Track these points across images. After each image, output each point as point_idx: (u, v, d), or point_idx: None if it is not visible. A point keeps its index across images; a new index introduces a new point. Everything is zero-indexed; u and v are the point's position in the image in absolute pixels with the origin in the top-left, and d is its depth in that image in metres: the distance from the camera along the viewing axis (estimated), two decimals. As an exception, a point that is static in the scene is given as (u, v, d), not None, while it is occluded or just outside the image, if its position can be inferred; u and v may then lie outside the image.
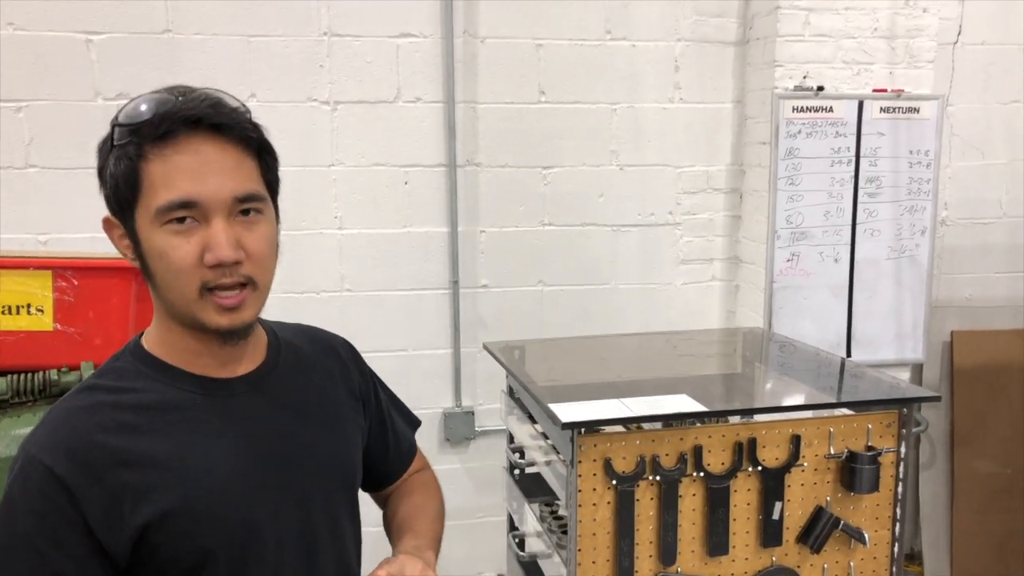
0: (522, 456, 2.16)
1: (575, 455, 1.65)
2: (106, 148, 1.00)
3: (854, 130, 2.91)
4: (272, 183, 1.08)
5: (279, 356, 1.17)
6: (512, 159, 3.01)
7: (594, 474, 1.67)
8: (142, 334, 1.12)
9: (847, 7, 2.88)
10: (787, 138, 2.88)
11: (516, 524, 2.20)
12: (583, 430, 1.65)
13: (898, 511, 1.81)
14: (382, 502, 1.38)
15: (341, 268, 2.96)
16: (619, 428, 1.74)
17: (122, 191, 0.99)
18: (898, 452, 1.78)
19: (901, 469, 1.79)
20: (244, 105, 1.05)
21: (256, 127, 1.04)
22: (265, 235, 1.04)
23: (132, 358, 1.08)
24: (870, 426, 1.77)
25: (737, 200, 3.19)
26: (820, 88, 2.88)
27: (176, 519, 0.99)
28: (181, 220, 0.97)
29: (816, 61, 2.89)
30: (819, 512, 1.76)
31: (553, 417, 1.65)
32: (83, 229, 2.71)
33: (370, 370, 1.32)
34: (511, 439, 2.21)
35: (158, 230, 0.98)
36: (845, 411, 1.84)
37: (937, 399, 1.88)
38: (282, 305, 2.89)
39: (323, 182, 2.90)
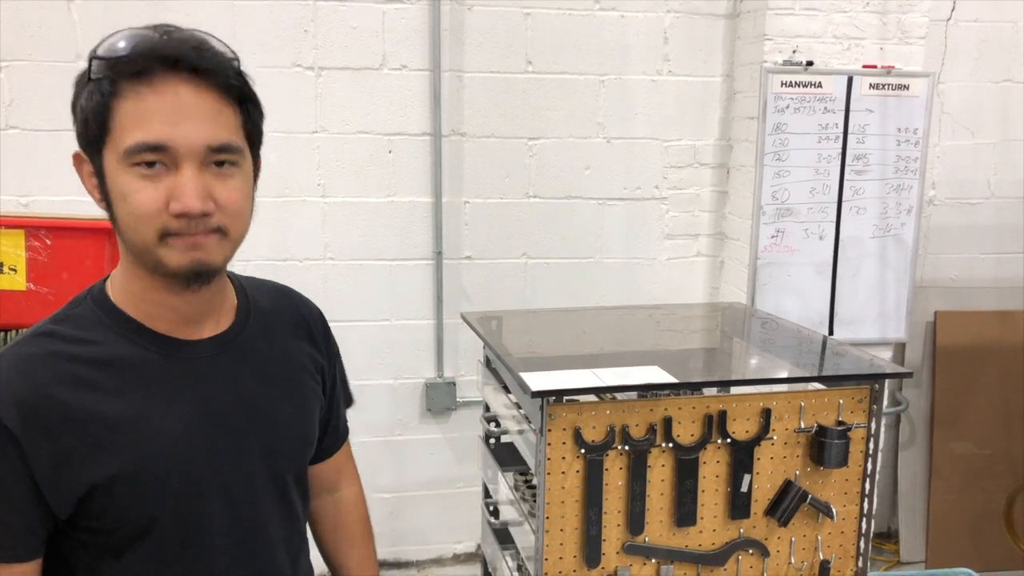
0: (497, 425, 2.17)
1: (544, 424, 1.65)
2: (82, 81, 0.96)
3: (842, 106, 2.89)
4: (253, 134, 1.04)
5: (247, 321, 1.14)
6: (498, 130, 2.99)
7: (563, 443, 1.67)
8: (107, 278, 1.08)
9: (839, -19, 2.85)
10: (775, 113, 2.85)
11: (491, 493, 2.21)
12: (552, 399, 1.65)
13: (867, 486, 1.81)
14: (312, 491, 1.30)
15: (324, 236, 2.94)
16: (591, 398, 1.74)
17: (92, 126, 0.95)
18: (868, 428, 1.78)
19: (871, 445, 1.79)
20: (233, 51, 1.00)
21: (240, 75, 1.00)
22: (239, 187, 1.00)
23: (94, 305, 1.05)
24: (841, 401, 1.77)
25: (724, 175, 3.17)
26: (809, 63, 2.85)
27: (124, 483, 0.98)
28: (150, 164, 0.93)
29: (806, 35, 2.86)
30: (787, 486, 1.76)
31: (524, 385, 1.65)
32: (64, 192, 2.70)
33: (336, 346, 1.30)
34: (487, 408, 2.22)
35: (125, 171, 0.94)
36: (818, 386, 1.84)
37: (909, 375, 1.88)
38: (264, 272, 2.88)
39: (306, 149, 2.87)
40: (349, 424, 1.38)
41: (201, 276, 1.00)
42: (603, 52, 3.00)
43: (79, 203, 2.74)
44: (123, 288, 1.05)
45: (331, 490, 1.36)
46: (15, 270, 1.84)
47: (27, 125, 2.71)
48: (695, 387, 1.79)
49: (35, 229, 1.84)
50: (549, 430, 1.66)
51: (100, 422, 0.97)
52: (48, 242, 1.83)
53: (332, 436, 1.33)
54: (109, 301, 1.05)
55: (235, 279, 1.17)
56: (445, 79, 2.91)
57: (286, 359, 1.17)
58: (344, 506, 1.37)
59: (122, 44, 0.93)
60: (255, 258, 2.88)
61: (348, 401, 1.38)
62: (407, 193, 2.98)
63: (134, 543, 1.01)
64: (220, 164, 0.97)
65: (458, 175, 3.00)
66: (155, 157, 0.93)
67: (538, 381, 1.65)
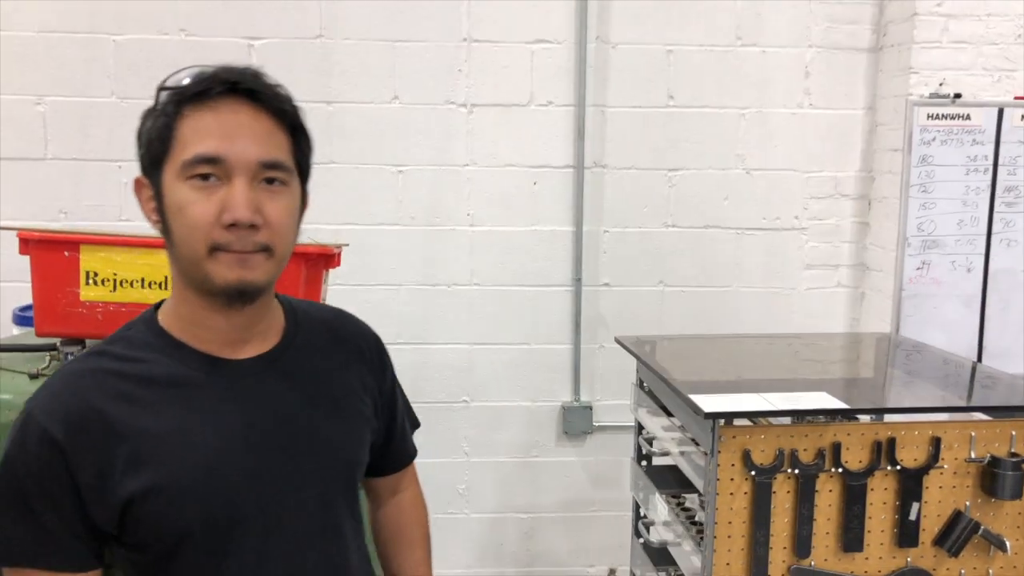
0: (650, 446, 2.23)
1: (715, 445, 1.71)
2: (150, 112, 1.03)
3: (992, 138, 2.86)
4: (302, 164, 1.09)
5: (295, 337, 1.15)
6: (638, 161, 3.09)
7: (732, 465, 1.73)
8: (159, 304, 1.12)
9: (989, 13, 2.83)
10: (920, 145, 2.85)
11: (643, 513, 2.27)
12: (723, 421, 1.72)
13: (1041, 521, 1.79)
14: (374, 502, 1.40)
15: (471, 263, 3.10)
16: (760, 421, 1.79)
17: (155, 146, 1.01)
18: (1043, 461, 1.77)
19: (1046, 478, 1.77)
20: (286, 88, 1.07)
21: (294, 105, 1.06)
22: (287, 206, 1.04)
23: (144, 328, 1.09)
24: (1014, 432, 1.76)
25: (865, 207, 3.17)
26: (957, 95, 2.84)
27: (159, 495, 1.00)
28: (205, 177, 0.99)
29: (954, 68, 2.86)
30: (958, 516, 1.77)
31: (695, 408, 1.72)
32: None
33: (392, 370, 1.31)
34: (640, 430, 2.29)
35: (182, 184, 0.99)
36: (980, 415, 1.84)
37: (1087, 409, 1.85)
38: (414, 296, 3.08)
39: (457, 181, 3.04)
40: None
41: (245, 295, 1.03)
42: (744, 86, 3.07)
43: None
44: (171, 312, 1.09)
45: (392, 494, 1.39)
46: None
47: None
48: (865, 413, 1.82)
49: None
50: (719, 452, 1.72)
51: (141, 435, 1.01)
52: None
53: (396, 455, 1.35)
54: (157, 324, 1.09)
55: (285, 301, 1.19)
56: (589, 114, 3.03)
57: (333, 377, 1.17)
58: (403, 507, 1.39)
59: (185, 76, 1.02)
60: (407, 283, 3.06)
61: (414, 424, 1.41)
62: (549, 223, 3.10)
63: (168, 561, 1.03)
64: (270, 182, 1.02)
65: (598, 205, 3.11)
66: (210, 170, 0.99)
67: (710, 403, 1.72)
